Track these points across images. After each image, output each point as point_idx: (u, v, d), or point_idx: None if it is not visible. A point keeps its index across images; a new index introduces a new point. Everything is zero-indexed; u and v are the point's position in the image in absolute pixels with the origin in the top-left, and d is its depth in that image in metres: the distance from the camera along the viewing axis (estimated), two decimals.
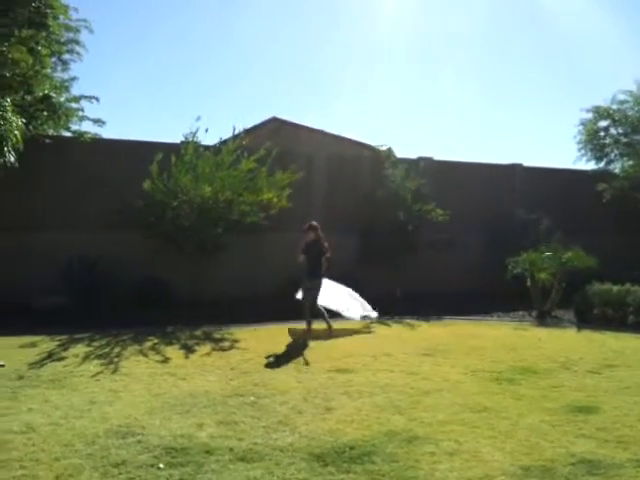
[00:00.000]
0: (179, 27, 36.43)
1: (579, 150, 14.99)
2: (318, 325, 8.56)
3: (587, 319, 9.68)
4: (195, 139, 10.27)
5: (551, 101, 41.05)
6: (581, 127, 14.85)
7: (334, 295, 9.23)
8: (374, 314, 9.46)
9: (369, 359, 6.84)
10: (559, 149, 38.60)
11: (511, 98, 39.83)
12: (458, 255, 12.66)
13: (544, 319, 10.14)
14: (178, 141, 10.45)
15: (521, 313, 10.74)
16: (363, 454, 3.96)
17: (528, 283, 10.46)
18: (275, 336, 8.20)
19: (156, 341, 7.73)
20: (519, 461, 3.86)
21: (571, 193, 13.99)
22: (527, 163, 14.59)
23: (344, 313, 9.16)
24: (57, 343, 7.42)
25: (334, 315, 8.92)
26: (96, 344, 7.44)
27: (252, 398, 5.20)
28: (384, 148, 13.17)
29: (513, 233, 12.32)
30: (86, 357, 6.72)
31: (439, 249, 12.17)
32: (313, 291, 8.47)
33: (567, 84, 40.45)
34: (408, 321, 9.78)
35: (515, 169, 14.42)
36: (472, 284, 12.21)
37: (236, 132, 10.63)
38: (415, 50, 37.34)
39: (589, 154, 14.83)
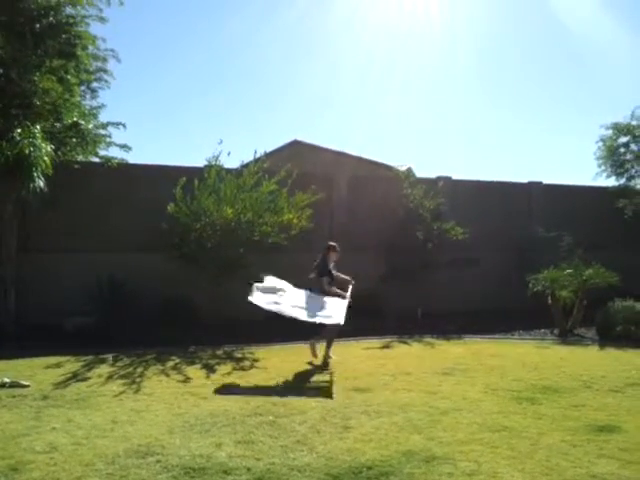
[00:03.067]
0: (199, 53, 37.29)
1: (599, 166, 14.95)
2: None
3: (610, 337, 9.53)
4: (217, 162, 10.46)
5: (570, 118, 40.81)
6: (601, 143, 14.81)
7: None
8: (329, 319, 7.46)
9: (388, 378, 6.85)
10: (579, 166, 38.34)
11: (530, 116, 39.74)
12: (478, 273, 12.62)
13: (566, 337, 10.02)
14: (201, 165, 10.66)
15: (542, 331, 10.61)
16: (381, 474, 3.97)
17: (549, 301, 10.37)
18: (295, 355, 8.25)
19: (178, 361, 7.85)
20: None
21: (592, 210, 13.90)
22: (547, 180, 14.56)
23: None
24: (82, 363, 7.56)
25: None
26: (120, 364, 7.58)
27: (271, 417, 5.25)
28: (404, 168, 13.31)
29: (533, 251, 12.25)
30: (110, 377, 6.85)
31: (459, 267, 12.15)
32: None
33: (587, 101, 40.19)
34: (428, 340, 9.76)
35: (534, 187, 14.37)
36: (492, 302, 12.17)
37: (257, 155, 10.80)
38: (431, 69, 37.61)
39: (609, 170, 14.76)
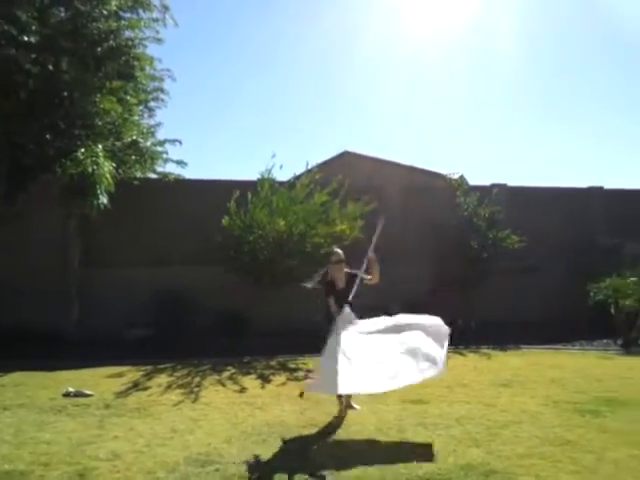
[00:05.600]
0: (250, 69, 38.07)
1: None
2: None
3: None
4: (270, 176, 10.64)
5: (630, 120, 39.31)
6: None
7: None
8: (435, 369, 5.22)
9: (444, 390, 6.74)
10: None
11: (586, 120, 38.50)
12: (536, 282, 12.26)
13: (630, 348, 9.63)
14: (254, 178, 10.85)
15: (605, 342, 10.23)
16: None
17: (612, 310, 9.99)
18: None
19: (234, 371, 7.98)
20: None
21: None
22: (608, 186, 14.06)
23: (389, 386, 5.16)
24: (142, 373, 7.81)
25: None
26: (178, 374, 7.77)
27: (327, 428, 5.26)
28: (456, 176, 13.12)
29: (594, 259, 11.84)
30: (168, 387, 7.03)
31: (515, 276, 11.87)
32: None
33: None
34: (484, 350, 9.57)
35: (594, 192, 13.88)
36: (551, 312, 11.80)
37: (309, 167, 10.93)
38: (481, 75, 37.05)
39: None
